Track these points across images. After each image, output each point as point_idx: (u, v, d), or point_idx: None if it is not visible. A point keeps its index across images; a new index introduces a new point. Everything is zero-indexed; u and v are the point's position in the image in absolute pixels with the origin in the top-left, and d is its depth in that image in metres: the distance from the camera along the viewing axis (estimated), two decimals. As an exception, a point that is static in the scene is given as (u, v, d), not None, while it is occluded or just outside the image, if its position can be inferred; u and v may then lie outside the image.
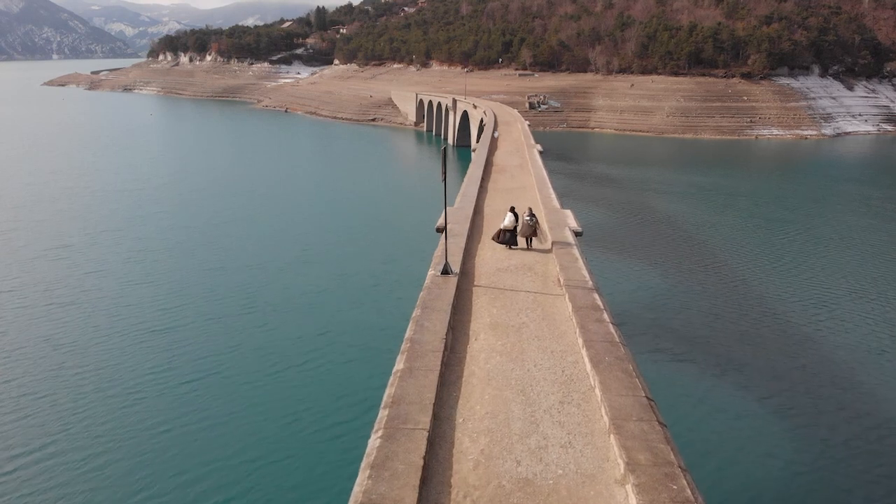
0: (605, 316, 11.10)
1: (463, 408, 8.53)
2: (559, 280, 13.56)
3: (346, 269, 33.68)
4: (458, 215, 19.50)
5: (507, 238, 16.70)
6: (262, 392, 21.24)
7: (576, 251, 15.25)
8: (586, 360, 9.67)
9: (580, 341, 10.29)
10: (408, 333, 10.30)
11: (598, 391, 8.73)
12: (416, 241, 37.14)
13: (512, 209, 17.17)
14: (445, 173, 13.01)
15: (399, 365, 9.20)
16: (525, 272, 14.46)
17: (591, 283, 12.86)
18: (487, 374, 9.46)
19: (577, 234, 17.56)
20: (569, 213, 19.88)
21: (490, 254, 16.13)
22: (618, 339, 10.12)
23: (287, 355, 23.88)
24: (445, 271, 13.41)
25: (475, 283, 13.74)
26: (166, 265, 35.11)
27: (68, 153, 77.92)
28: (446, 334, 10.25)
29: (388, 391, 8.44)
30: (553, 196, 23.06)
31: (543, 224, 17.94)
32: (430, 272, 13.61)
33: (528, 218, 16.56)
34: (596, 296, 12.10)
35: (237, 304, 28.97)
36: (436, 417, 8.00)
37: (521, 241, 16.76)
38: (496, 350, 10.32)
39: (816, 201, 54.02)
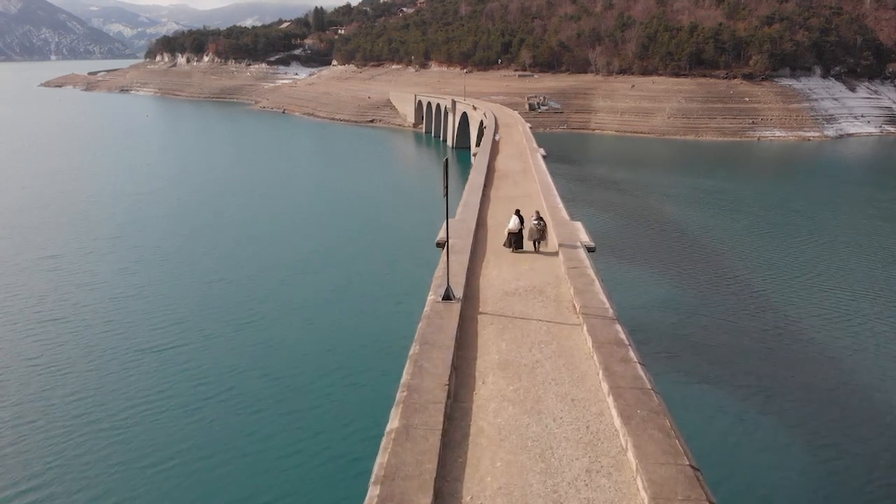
0: (632, 354, 9.67)
1: (470, 480, 7.10)
2: (574, 306, 12.13)
3: (341, 287, 31.38)
4: (460, 228, 18.07)
5: (512, 241, 16.63)
6: (235, 445, 18.50)
7: (591, 271, 13.81)
8: (614, 412, 8.25)
9: (605, 387, 8.86)
10: (404, 378, 8.87)
11: (631, 455, 7.32)
12: (415, 252, 35.46)
13: (517, 212, 17.07)
14: (447, 187, 11.59)
15: (393, 422, 7.77)
16: (536, 296, 13.02)
17: (611, 311, 11.43)
18: (499, 432, 8.03)
19: (589, 249, 16.13)
20: (579, 225, 18.43)
21: (496, 273, 14.70)
22: (649, 386, 8.69)
23: (267, 401, 20.72)
24: (447, 296, 11.99)
25: (480, 309, 12.30)
26: (160, 277, 33.31)
27: (61, 156, 76.34)
28: (449, 378, 8.82)
29: (380, 459, 7.01)
30: (560, 205, 21.63)
31: (550, 229, 17.77)
32: (431, 297, 12.18)
33: (535, 222, 16.48)
34: (618, 327, 10.67)
35: (224, 323, 27.09)
36: (437, 495, 6.58)
37: (529, 244, 16.74)
38: (507, 398, 8.88)
39: (825, 205, 52.72)
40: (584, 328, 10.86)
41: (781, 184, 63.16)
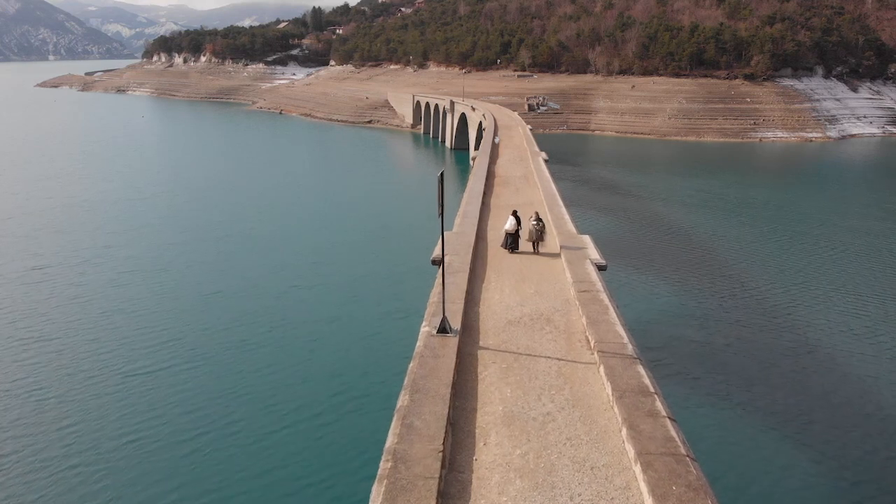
0: (659, 405, 8.24)
1: (470, 590, 5.68)
2: (587, 339, 10.70)
3: (332, 305, 29.10)
4: (458, 242, 16.63)
5: (510, 243, 16.67)
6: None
7: (604, 296, 12.37)
8: (644, 488, 6.82)
9: (631, 452, 7.43)
10: (389, 441, 7.42)
11: (669, 552, 5.90)
12: (412, 263, 33.59)
13: (514, 213, 16.98)
14: (443, 206, 10.14)
15: (375, 506, 6.34)
16: (543, 325, 11.56)
17: (630, 346, 9.99)
18: (504, 517, 6.60)
19: (600, 268, 14.69)
20: (587, 239, 16.98)
21: (498, 296, 13.24)
22: (683, 451, 7.26)
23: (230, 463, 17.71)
24: (443, 329, 10.54)
25: (480, 343, 10.84)
26: (150, 290, 31.50)
27: (52, 159, 74.73)
28: (444, 441, 7.39)
29: (356, 564, 5.58)
30: (566, 216, 20.19)
31: (550, 229, 17.81)
32: (424, 328, 10.73)
33: (534, 223, 16.48)
34: (641, 369, 9.23)
35: (213, 343, 25.19)
36: None
37: (528, 245, 16.76)
38: (514, 466, 7.43)
39: (833, 208, 51.32)
40: (601, 369, 9.42)
41: (788, 186, 61.86)
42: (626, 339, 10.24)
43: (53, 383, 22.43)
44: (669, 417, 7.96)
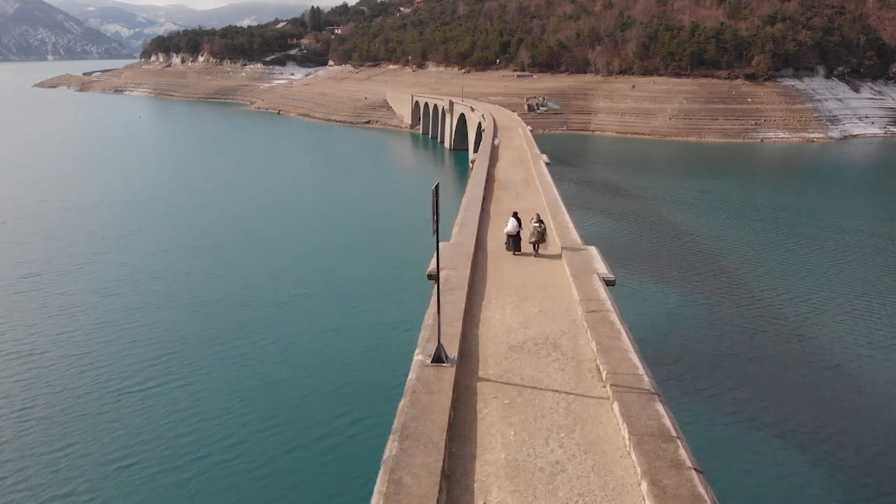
0: (683, 452, 7.25)
1: None
2: (598, 369, 9.70)
3: (325, 318, 27.64)
4: (456, 254, 15.63)
5: (511, 244, 16.83)
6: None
7: (614, 316, 11.36)
8: (672, 563, 5.84)
9: (654, 514, 6.45)
10: (374, 501, 6.42)
11: None
12: (409, 273, 32.36)
13: (514, 214, 17.13)
14: (437, 222, 9.13)
15: None
16: (549, 352, 10.55)
17: (646, 378, 8.99)
18: None
19: (608, 282, 13.70)
20: (594, 251, 15.96)
21: (499, 316, 12.23)
22: (716, 514, 6.29)
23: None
24: (438, 358, 9.55)
25: (480, 373, 9.83)
26: (144, 299, 30.34)
27: (46, 161, 73.62)
28: (437, 501, 6.39)
29: None
30: (569, 223, 19.18)
31: (551, 232, 17.78)
32: (418, 357, 9.72)
33: (535, 224, 16.53)
34: (660, 407, 8.23)
35: (206, 359, 23.90)
36: None
37: (528, 247, 16.86)
38: (519, 532, 6.45)
39: (838, 210, 50.26)
40: (616, 407, 8.43)
41: (791, 188, 60.94)
42: (641, 370, 9.24)
43: (42, 399, 21.31)
44: (696, 469, 6.98)
